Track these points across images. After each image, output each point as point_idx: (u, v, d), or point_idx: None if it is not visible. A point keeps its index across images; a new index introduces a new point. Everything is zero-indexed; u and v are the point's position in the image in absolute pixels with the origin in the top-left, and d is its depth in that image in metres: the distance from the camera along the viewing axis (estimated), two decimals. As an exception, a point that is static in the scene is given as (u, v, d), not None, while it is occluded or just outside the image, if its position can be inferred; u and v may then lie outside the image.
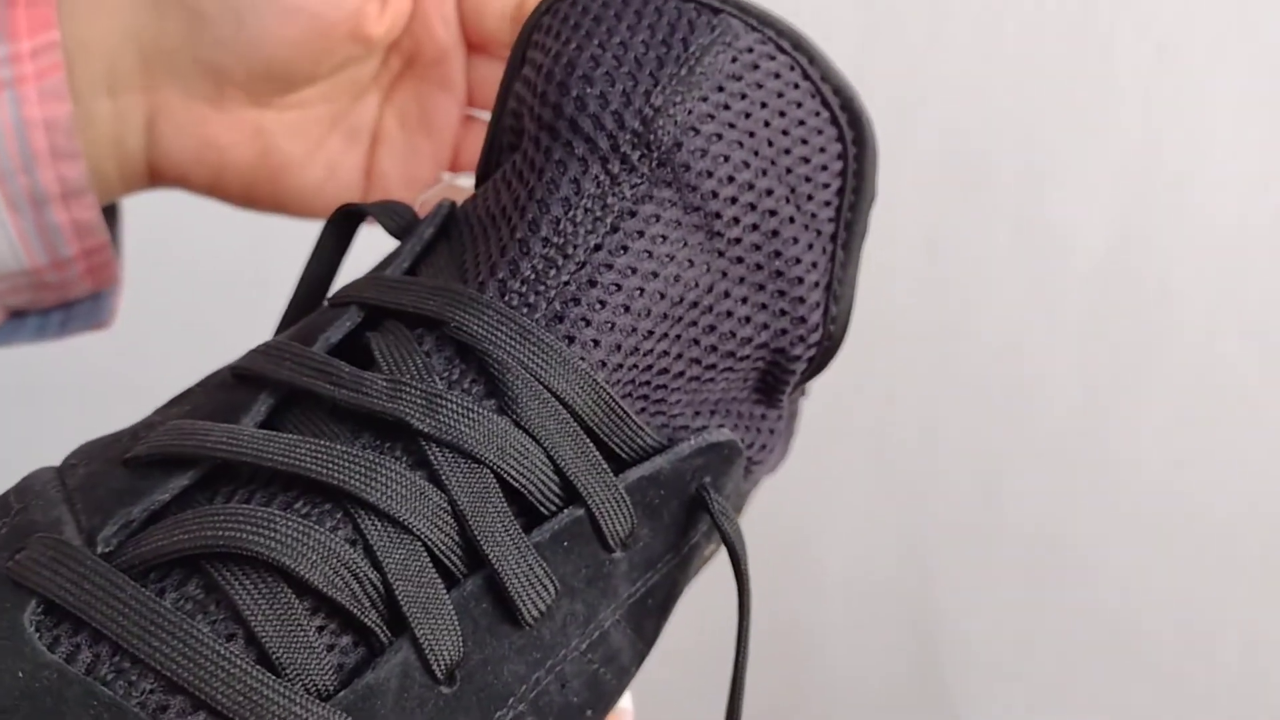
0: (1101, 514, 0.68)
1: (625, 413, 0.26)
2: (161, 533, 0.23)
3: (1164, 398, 0.66)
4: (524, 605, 0.24)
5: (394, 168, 0.37)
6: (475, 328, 0.26)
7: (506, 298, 0.26)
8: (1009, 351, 0.66)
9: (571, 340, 0.26)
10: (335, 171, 0.37)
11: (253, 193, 0.36)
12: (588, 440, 0.26)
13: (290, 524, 0.23)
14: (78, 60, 0.33)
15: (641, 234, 0.27)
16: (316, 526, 0.23)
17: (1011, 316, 0.65)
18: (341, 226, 0.32)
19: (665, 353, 0.27)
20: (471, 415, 0.25)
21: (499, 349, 0.25)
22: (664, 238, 0.27)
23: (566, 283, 0.26)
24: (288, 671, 0.22)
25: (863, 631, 0.72)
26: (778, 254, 0.28)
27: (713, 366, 0.28)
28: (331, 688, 0.22)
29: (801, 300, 0.29)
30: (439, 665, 0.23)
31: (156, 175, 0.36)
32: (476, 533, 0.24)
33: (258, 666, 0.22)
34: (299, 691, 0.22)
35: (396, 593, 0.23)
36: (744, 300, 0.28)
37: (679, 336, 0.28)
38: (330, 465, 0.24)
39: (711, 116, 0.27)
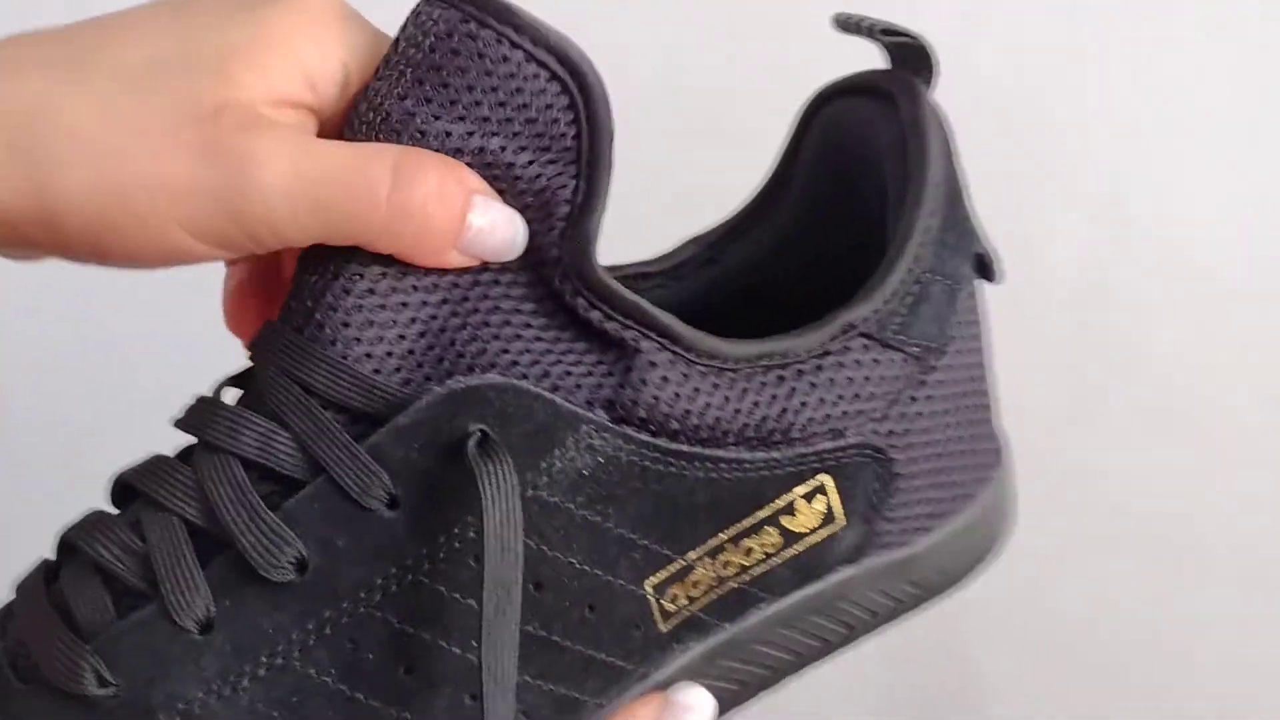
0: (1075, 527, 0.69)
1: (369, 381, 0.29)
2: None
3: (1135, 416, 0.67)
4: (258, 563, 0.28)
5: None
6: (257, 345, 0.30)
7: (286, 322, 0.30)
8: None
9: (334, 342, 0.29)
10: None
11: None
12: (324, 413, 0.29)
13: (94, 517, 0.30)
14: None
15: None
16: (108, 513, 0.30)
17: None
18: None
19: (434, 316, 0.29)
20: (215, 412, 0.30)
21: (262, 357, 0.30)
22: None
23: (323, 291, 0.29)
24: (78, 623, 0.29)
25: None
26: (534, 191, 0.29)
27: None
28: (97, 632, 0.29)
29: (550, 214, 0.29)
30: (187, 617, 0.28)
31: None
32: (217, 509, 0.29)
33: (58, 618, 0.29)
34: (68, 631, 0.29)
35: (154, 560, 0.28)
36: None
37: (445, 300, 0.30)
38: (138, 469, 0.30)
39: (428, 100, 0.29)
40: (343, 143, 0.28)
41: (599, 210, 0.29)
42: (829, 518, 0.33)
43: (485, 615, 0.28)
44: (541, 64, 0.28)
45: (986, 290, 0.37)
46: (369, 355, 0.29)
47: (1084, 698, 0.71)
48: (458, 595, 0.29)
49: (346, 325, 0.29)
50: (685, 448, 0.31)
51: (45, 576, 0.30)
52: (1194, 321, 0.65)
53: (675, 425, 0.31)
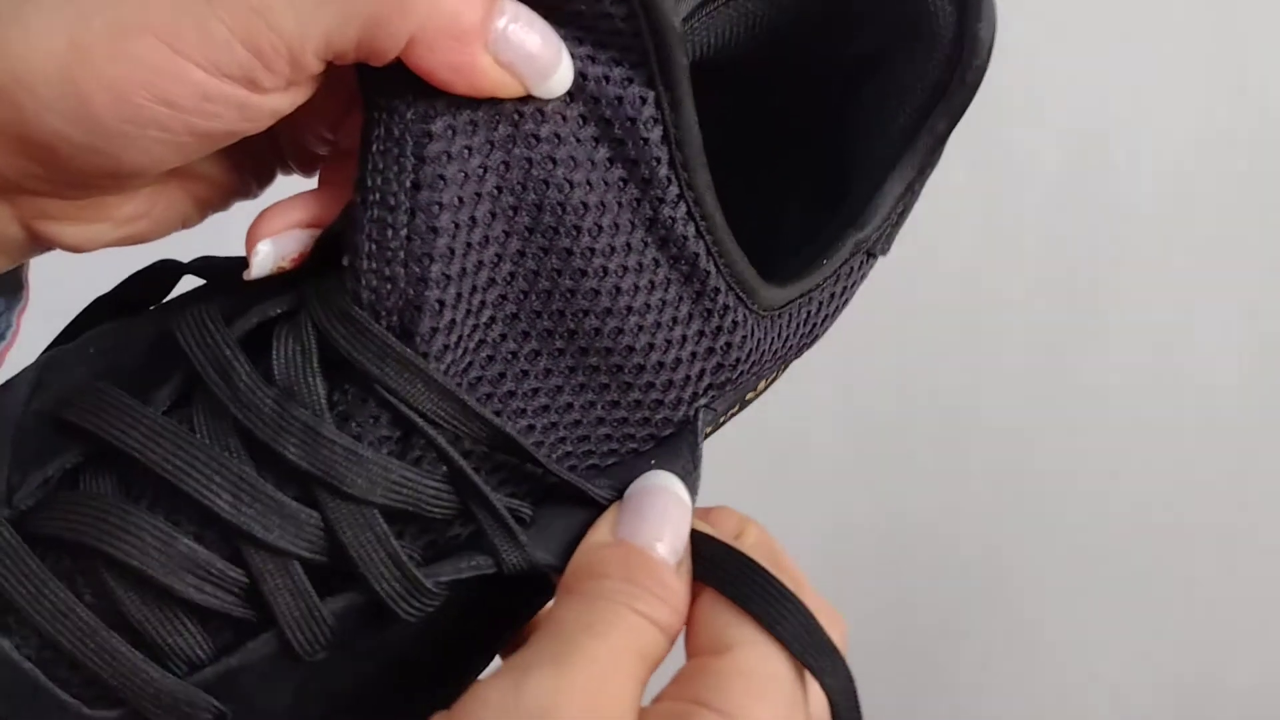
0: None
1: (517, 446, 0.28)
2: (60, 513, 0.27)
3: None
4: (405, 613, 0.28)
5: (287, 133, 0.31)
6: (347, 347, 0.27)
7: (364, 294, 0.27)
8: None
9: (427, 356, 0.27)
10: (252, 161, 0.32)
11: (186, 225, 0.30)
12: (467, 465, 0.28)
13: (156, 533, 0.26)
14: None
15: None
16: (178, 537, 0.26)
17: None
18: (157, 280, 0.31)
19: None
20: (352, 458, 0.27)
21: (366, 369, 0.27)
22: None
23: (399, 271, 0.26)
24: (165, 654, 0.27)
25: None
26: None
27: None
28: (199, 665, 0.27)
29: (633, 122, 0.27)
30: (304, 649, 0.27)
31: (70, 250, 0.28)
32: (359, 564, 0.27)
33: (135, 651, 0.26)
34: (166, 672, 0.26)
35: (264, 592, 0.26)
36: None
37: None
38: (205, 484, 0.26)
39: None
40: None
41: (692, 116, 0.27)
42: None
43: None
44: None
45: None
46: (469, 365, 0.28)
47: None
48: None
49: (451, 327, 0.27)
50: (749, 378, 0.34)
51: (42, 563, 0.27)
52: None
53: (744, 378, 0.33)
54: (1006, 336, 0.75)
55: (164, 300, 0.31)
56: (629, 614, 0.26)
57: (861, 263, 0.35)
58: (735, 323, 0.30)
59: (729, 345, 0.31)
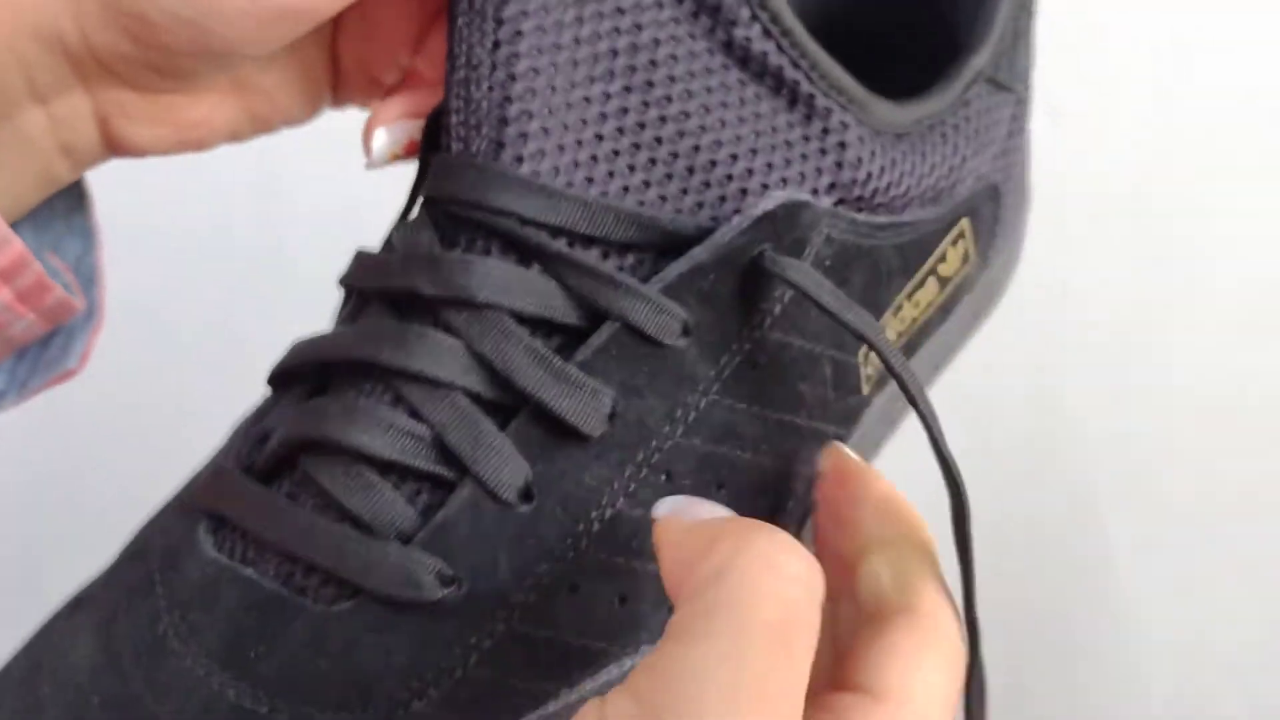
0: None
1: (613, 208, 0.27)
2: (270, 441, 0.29)
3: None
4: (578, 421, 0.26)
5: (356, 64, 0.33)
6: (446, 187, 0.28)
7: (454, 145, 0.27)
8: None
9: (520, 160, 0.27)
10: (309, 83, 0.33)
11: (236, 138, 0.32)
12: (598, 258, 0.27)
13: (336, 404, 0.27)
14: None
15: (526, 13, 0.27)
16: (362, 400, 0.27)
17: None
18: None
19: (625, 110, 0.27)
20: (470, 267, 0.27)
21: (467, 198, 0.27)
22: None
23: (482, 103, 0.27)
24: (374, 527, 0.26)
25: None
26: None
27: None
28: (411, 532, 0.26)
29: None
30: (507, 490, 0.26)
31: (126, 155, 0.30)
32: (503, 371, 0.26)
33: (349, 527, 0.26)
34: (381, 540, 0.26)
35: (447, 439, 0.26)
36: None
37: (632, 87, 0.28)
38: (364, 343, 0.27)
39: None
40: None
41: None
42: (966, 258, 0.35)
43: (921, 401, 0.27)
44: None
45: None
46: (575, 164, 0.27)
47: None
48: (744, 406, 0.29)
49: (546, 132, 0.27)
50: (886, 219, 0.31)
51: (266, 488, 0.27)
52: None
53: (881, 200, 0.31)
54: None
55: None
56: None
57: (988, 93, 0.34)
58: (845, 124, 0.29)
59: (843, 145, 0.29)
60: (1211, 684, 0.68)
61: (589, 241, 0.27)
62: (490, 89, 0.27)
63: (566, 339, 0.27)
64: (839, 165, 0.30)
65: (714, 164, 0.28)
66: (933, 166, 0.32)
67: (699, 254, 0.27)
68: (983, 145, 0.34)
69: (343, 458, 0.27)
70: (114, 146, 0.30)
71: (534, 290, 0.27)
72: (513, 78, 0.27)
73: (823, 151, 0.29)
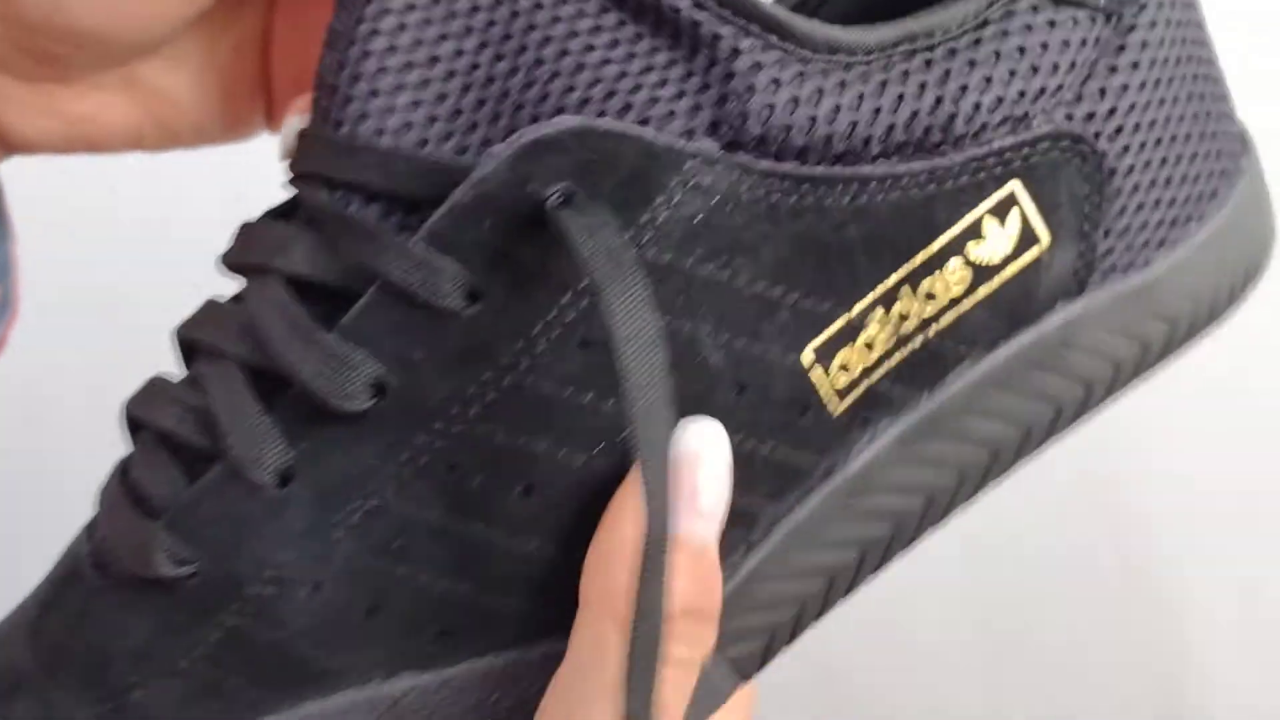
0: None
1: (411, 157, 0.23)
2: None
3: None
4: (327, 395, 0.23)
5: (289, 73, 0.31)
6: (293, 161, 0.26)
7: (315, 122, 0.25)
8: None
9: (363, 117, 0.24)
10: (230, 99, 0.31)
11: (140, 144, 0.31)
12: (362, 208, 0.24)
13: (152, 382, 0.26)
14: None
15: None
16: (163, 378, 0.26)
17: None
18: None
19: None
20: (255, 230, 0.25)
21: (297, 169, 0.25)
22: None
23: (340, 65, 0.24)
24: (147, 501, 0.24)
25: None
26: None
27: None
28: (163, 509, 0.24)
29: None
30: (260, 470, 0.24)
31: (18, 151, 0.30)
32: (264, 339, 0.24)
33: (126, 501, 0.25)
34: (142, 516, 0.24)
35: (212, 412, 0.24)
36: None
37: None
38: (192, 319, 0.26)
39: None
40: None
41: None
42: (1028, 237, 0.26)
43: (628, 378, 0.22)
44: None
45: None
46: (408, 125, 0.24)
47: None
48: (571, 390, 0.24)
49: (374, 94, 0.24)
50: (819, 169, 0.24)
51: (123, 466, 0.26)
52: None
53: (800, 141, 0.24)
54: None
55: None
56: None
57: (1032, 9, 0.26)
58: (737, 50, 0.24)
59: (730, 75, 0.24)
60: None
61: (385, 200, 0.24)
62: (339, 62, 0.24)
63: (338, 304, 0.24)
64: (723, 99, 0.24)
65: (560, 111, 0.24)
66: (900, 98, 0.25)
67: (459, 195, 0.23)
68: (1020, 78, 0.26)
69: (142, 433, 0.26)
70: (2, 139, 0.30)
71: (306, 252, 0.24)
72: (360, 47, 0.24)
73: (705, 86, 0.24)
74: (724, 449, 0.24)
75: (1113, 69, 0.26)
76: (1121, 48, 0.26)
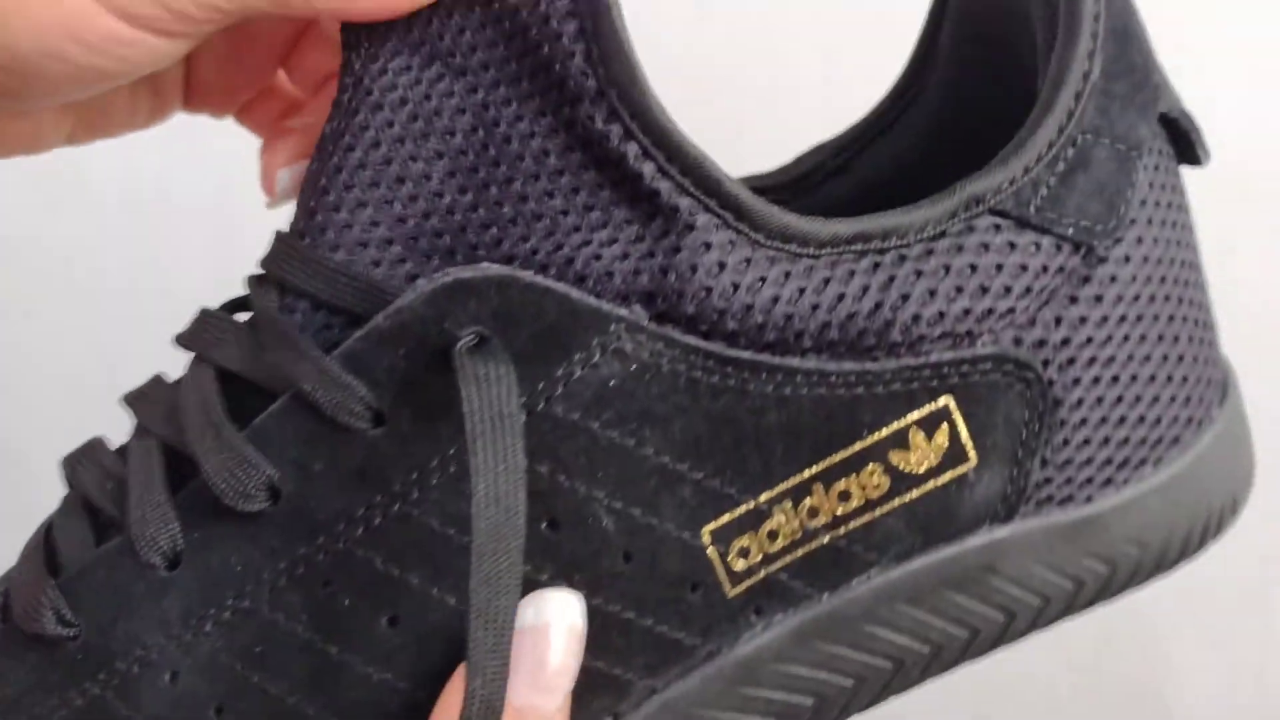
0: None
1: (355, 275, 0.24)
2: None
3: None
4: (223, 490, 0.24)
5: (215, 76, 0.32)
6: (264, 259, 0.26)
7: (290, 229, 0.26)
8: None
9: (324, 230, 0.25)
10: (157, 94, 0.32)
11: (67, 143, 0.31)
12: (291, 317, 0.24)
13: (90, 443, 0.27)
14: None
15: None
16: (102, 441, 0.27)
17: None
18: None
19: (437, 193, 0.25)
20: (207, 317, 0.26)
21: (265, 267, 0.26)
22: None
23: (317, 175, 0.25)
24: (56, 554, 0.26)
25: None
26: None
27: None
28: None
29: (559, 34, 0.24)
30: (153, 550, 0.24)
31: None
32: (185, 427, 0.25)
33: (40, 555, 0.26)
34: (40, 569, 0.25)
35: (127, 485, 0.25)
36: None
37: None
38: (135, 391, 0.27)
39: None
40: None
41: (619, 19, 0.23)
42: (957, 454, 0.26)
43: (476, 540, 0.22)
44: None
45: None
46: (364, 243, 0.24)
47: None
48: (453, 531, 0.24)
49: (337, 209, 0.25)
50: (747, 354, 0.24)
51: (49, 520, 0.28)
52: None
53: (732, 325, 0.24)
54: None
55: None
56: None
57: (993, 228, 0.26)
58: (691, 226, 0.24)
59: (677, 249, 0.24)
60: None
61: (327, 311, 0.25)
62: (317, 171, 0.25)
63: (261, 404, 0.25)
64: (664, 270, 0.24)
65: (511, 259, 0.24)
66: (839, 298, 0.24)
67: (379, 320, 0.24)
68: (967, 296, 0.25)
69: (72, 491, 0.27)
70: None
71: (238, 350, 0.25)
72: (336, 160, 0.25)
73: (651, 254, 0.24)
74: (576, 621, 0.24)
75: (1073, 299, 0.26)
76: (1086, 279, 0.26)
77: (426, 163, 0.24)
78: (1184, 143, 0.28)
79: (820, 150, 0.32)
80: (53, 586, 0.25)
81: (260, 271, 0.26)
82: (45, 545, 0.26)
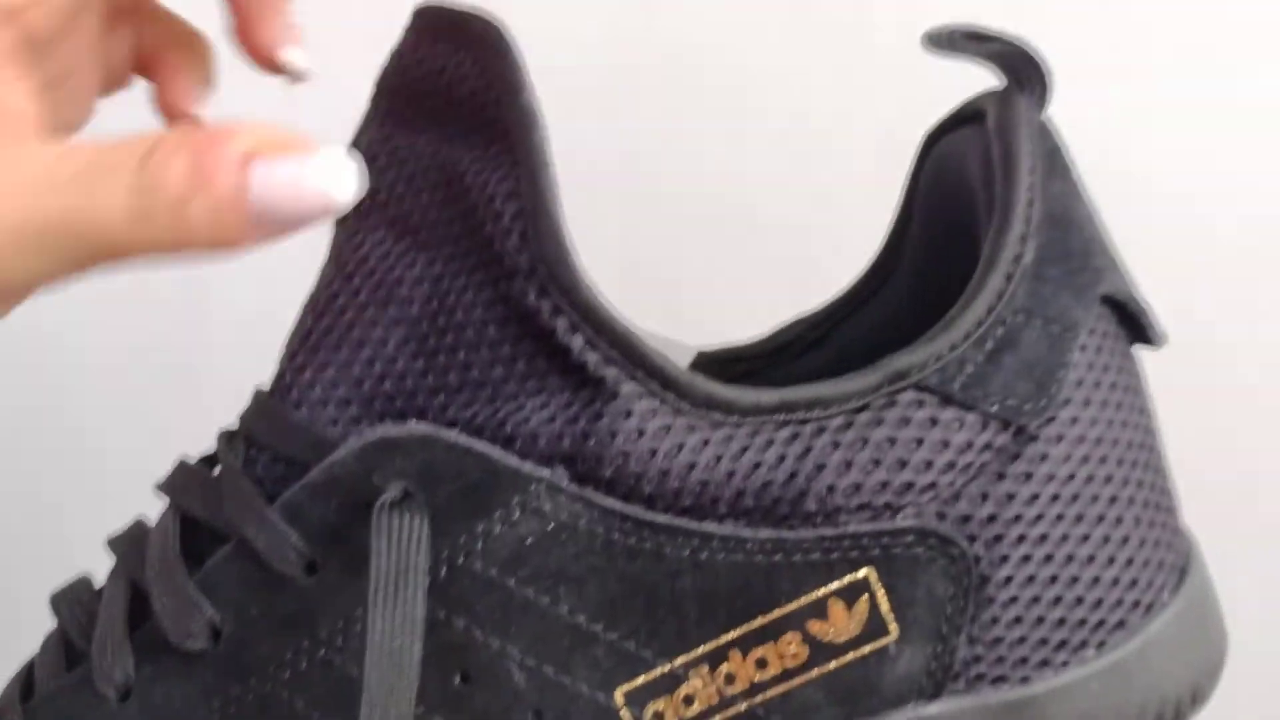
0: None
1: (307, 430, 0.26)
2: None
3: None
4: (168, 627, 0.26)
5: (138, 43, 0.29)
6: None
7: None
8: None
9: (290, 388, 0.26)
10: (111, 73, 0.29)
11: None
12: (242, 470, 0.26)
13: (75, 582, 0.29)
14: None
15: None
16: (88, 580, 0.29)
17: None
18: None
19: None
20: (182, 466, 0.28)
21: (241, 421, 0.28)
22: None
23: (291, 339, 0.27)
24: (32, 680, 0.28)
25: None
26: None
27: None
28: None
29: (498, 215, 0.25)
30: (106, 683, 0.26)
31: None
32: (145, 567, 0.26)
33: (20, 677, 0.28)
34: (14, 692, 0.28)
35: (95, 621, 0.27)
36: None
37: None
38: (119, 534, 0.29)
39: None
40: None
41: (555, 202, 0.25)
42: (876, 626, 0.26)
43: (367, 691, 0.23)
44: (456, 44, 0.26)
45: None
46: (324, 402, 0.26)
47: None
48: None
49: (303, 370, 0.27)
50: (663, 517, 0.25)
51: (42, 648, 0.30)
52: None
53: (649, 489, 0.25)
54: None
55: None
56: None
57: (916, 403, 0.26)
58: (615, 394, 0.25)
59: (599, 415, 0.25)
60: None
61: (284, 464, 0.26)
62: (295, 331, 0.27)
63: (217, 548, 0.26)
64: (586, 435, 0.25)
65: (453, 424, 0.25)
66: (755, 466, 0.25)
67: (314, 473, 0.25)
68: (885, 469, 0.26)
69: (55, 628, 0.29)
70: None
71: (200, 498, 0.27)
72: (309, 323, 0.27)
73: (575, 419, 0.25)
74: None
75: (1000, 476, 0.26)
76: (1016, 456, 0.26)
77: (385, 329, 0.26)
78: (1134, 324, 0.28)
79: (800, 323, 0.33)
80: (22, 713, 0.27)
81: (234, 428, 0.28)
82: (27, 672, 0.28)
